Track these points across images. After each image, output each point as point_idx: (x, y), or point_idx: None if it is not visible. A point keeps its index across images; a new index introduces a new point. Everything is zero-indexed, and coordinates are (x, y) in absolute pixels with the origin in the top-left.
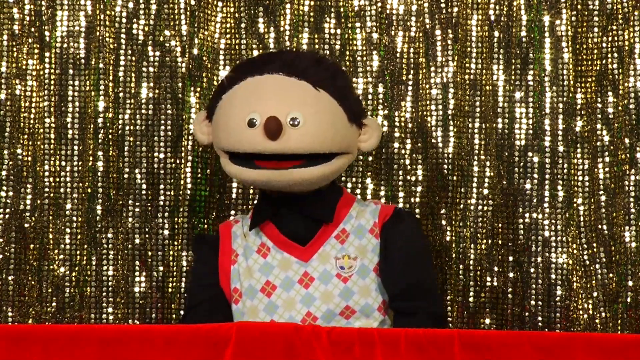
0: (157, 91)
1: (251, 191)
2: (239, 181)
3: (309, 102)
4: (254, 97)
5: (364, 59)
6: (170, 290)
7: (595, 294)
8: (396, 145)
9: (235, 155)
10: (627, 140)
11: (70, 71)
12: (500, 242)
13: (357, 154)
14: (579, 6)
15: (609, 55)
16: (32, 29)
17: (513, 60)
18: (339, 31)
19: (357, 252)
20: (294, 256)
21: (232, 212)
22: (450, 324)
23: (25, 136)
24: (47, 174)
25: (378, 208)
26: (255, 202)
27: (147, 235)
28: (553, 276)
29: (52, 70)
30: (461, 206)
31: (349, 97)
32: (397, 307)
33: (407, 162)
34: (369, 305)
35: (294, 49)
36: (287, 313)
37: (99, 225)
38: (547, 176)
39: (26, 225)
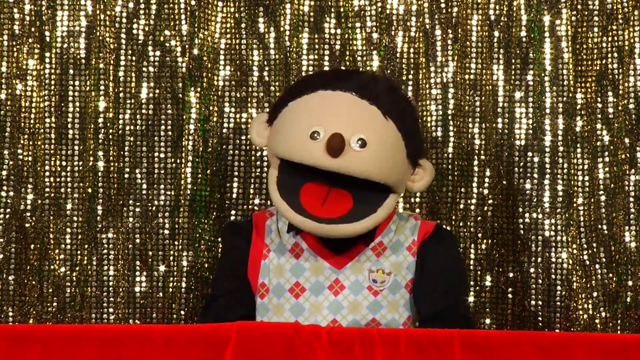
0: (157, 91)
1: (251, 191)
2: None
3: (376, 128)
4: (321, 111)
5: (364, 59)
6: (170, 290)
7: (595, 294)
8: None
9: (287, 169)
10: (627, 140)
11: (71, 71)
12: (500, 242)
13: (404, 192)
14: (579, 6)
15: (609, 55)
16: (33, 29)
17: (513, 60)
18: (339, 31)
19: (391, 268)
20: (327, 262)
21: (233, 212)
22: None
23: (26, 136)
24: (47, 174)
25: (418, 224)
26: None
27: (147, 235)
28: (553, 276)
29: (53, 70)
30: (461, 206)
31: (414, 134)
32: (429, 327)
33: None
34: (395, 320)
35: (371, 71)
36: (312, 317)
37: (100, 225)
38: (547, 176)
39: (27, 225)
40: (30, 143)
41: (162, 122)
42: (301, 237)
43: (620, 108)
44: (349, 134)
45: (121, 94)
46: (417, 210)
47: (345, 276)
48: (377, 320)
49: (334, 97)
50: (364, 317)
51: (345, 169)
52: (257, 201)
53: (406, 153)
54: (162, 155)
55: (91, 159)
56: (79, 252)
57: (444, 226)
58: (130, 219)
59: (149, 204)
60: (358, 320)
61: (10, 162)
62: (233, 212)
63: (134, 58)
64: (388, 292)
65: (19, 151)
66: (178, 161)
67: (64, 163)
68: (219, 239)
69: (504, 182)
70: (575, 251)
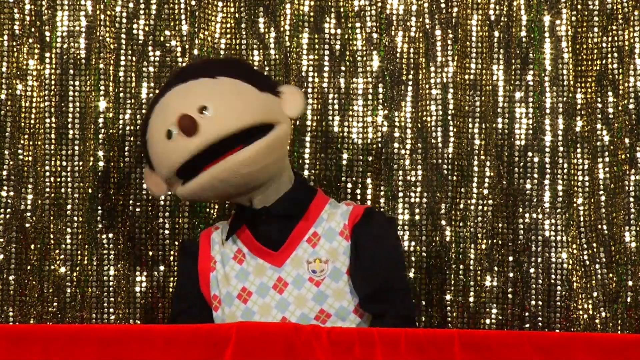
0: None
1: None
2: (196, 201)
3: (211, 90)
4: (163, 115)
5: (364, 59)
6: (171, 290)
7: (595, 294)
8: (396, 145)
9: (188, 175)
10: (627, 140)
11: (71, 71)
12: (500, 242)
13: (291, 122)
14: (579, 6)
15: (609, 55)
16: (33, 29)
17: (513, 60)
18: (339, 31)
19: (328, 255)
20: (267, 262)
21: (232, 212)
22: (450, 324)
23: (26, 136)
24: (47, 174)
25: (349, 209)
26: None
27: (147, 235)
28: (553, 276)
29: (53, 71)
30: (461, 206)
31: (250, 72)
32: (366, 309)
33: (407, 162)
34: (343, 308)
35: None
36: (263, 319)
37: (100, 225)
38: (547, 176)
39: (27, 225)
40: (31, 143)
41: None
42: (241, 242)
43: (620, 108)
44: (191, 111)
45: (121, 94)
46: (417, 211)
47: (287, 272)
48: (325, 310)
49: (167, 99)
50: (312, 310)
51: (210, 139)
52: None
53: (256, 88)
54: None
55: (91, 159)
56: (79, 252)
57: (444, 226)
58: (131, 219)
59: (149, 204)
60: (306, 313)
61: (11, 162)
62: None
63: (134, 58)
64: (330, 280)
65: (19, 151)
66: None
67: (64, 163)
68: None
69: (504, 182)
70: (575, 251)
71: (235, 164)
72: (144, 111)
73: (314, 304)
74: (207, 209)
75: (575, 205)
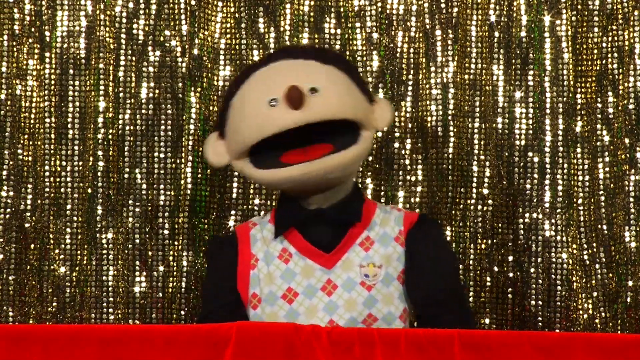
0: (157, 91)
1: (251, 191)
2: (269, 187)
3: (322, 73)
4: (267, 83)
5: (364, 59)
6: (170, 290)
7: (595, 294)
8: (396, 145)
9: (259, 157)
10: (627, 140)
11: (71, 71)
12: (500, 242)
13: (375, 132)
14: (579, 6)
15: (609, 55)
16: (33, 29)
17: (513, 61)
18: (339, 31)
19: (382, 261)
20: (317, 263)
21: (232, 212)
22: None
23: (26, 136)
24: (47, 174)
25: (402, 215)
26: (275, 206)
27: (147, 235)
28: (553, 276)
29: (53, 70)
30: (461, 206)
31: (357, 74)
32: (425, 313)
33: (407, 162)
34: (391, 313)
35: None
36: (308, 320)
37: (99, 225)
38: (547, 176)
39: (27, 225)
40: (30, 143)
41: (162, 122)
42: (288, 241)
43: (620, 108)
44: (301, 85)
45: (121, 94)
46: (418, 210)
47: (337, 275)
48: (373, 315)
49: (271, 69)
50: (361, 314)
51: (313, 117)
52: (257, 201)
53: (359, 90)
54: (162, 155)
55: (91, 159)
56: (78, 252)
57: (444, 226)
58: (130, 219)
59: (149, 204)
60: (355, 317)
61: (10, 162)
62: (233, 212)
63: (134, 58)
64: (381, 285)
65: (19, 151)
66: (178, 161)
67: (63, 163)
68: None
69: (504, 182)
70: (575, 251)
71: (329, 166)
72: (143, 111)
73: (363, 308)
74: (207, 209)
75: (575, 205)
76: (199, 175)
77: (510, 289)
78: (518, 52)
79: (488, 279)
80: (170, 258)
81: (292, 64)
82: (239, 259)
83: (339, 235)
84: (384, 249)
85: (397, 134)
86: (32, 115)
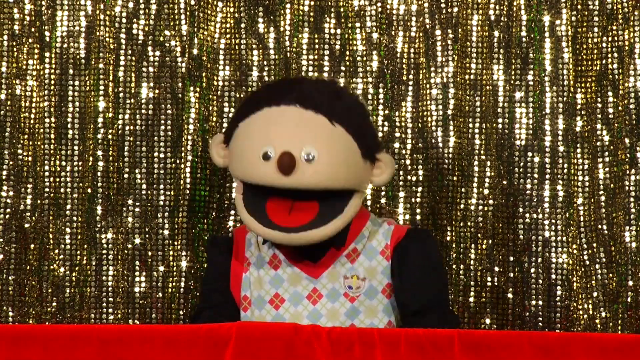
0: (157, 91)
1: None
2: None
3: (324, 137)
4: (269, 130)
5: (364, 59)
6: (170, 290)
7: (595, 294)
8: (396, 145)
9: (251, 190)
10: (627, 140)
11: (70, 71)
12: (500, 242)
13: (368, 187)
14: (579, 6)
15: (609, 55)
16: (32, 29)
17: (513, 60)
18: (339, 31)
19: (366, 273)
20: (304, 272)
21: (232, 212)
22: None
23: (26, 136)
24: (47, 174)
25: (391, 229)
26: None
27: (147, 235)
28: (553, 276)
29: (52, 70)
30: (461, 206)
31: (365, 132)
32: (411, 324)
33: (407, 162)
34: (374, 325)
35: (315, 78)
36: None
37: (99, 225)
38: (547, 176)
39: (26, 225)
40: (30, 143)
41: (162, 122)
42: (278, 248)
43: (620, 108)
44: (297, 150)
45: (121, 94)
46: (418, 211)
47: (322, 285)
48: (355, 326)
49: (279, 113)
50: (343, 324)
51: (300, 184)
52: None
53: (361, 153)
54: (161, 155)
55: (91, 159)
56: (78, 252)
57: (444, 226)
58: (130, 219)
59: (149, 204)
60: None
61: (10, 162)
62: (232, 212)
63: (133, 58)
64: (364, 297)
65: (19, 151)
66: (178, 161)
67: (63, 163)
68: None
69: (504, 182)
70: (575, 251)
71: (310, 239)
72: (143, 111)
73: (345, 318)
74: (207, 209)
75: (575, 205)
76: (199, 175)
77: (510, 289)
78: (518, 51)
79: (488, 279)
80: (170, 258)
81: (299, 118)
82: (233, 261)
83: (326, 245)
84: (368, 262)
85: (397, 134)
86: (32, 115)
